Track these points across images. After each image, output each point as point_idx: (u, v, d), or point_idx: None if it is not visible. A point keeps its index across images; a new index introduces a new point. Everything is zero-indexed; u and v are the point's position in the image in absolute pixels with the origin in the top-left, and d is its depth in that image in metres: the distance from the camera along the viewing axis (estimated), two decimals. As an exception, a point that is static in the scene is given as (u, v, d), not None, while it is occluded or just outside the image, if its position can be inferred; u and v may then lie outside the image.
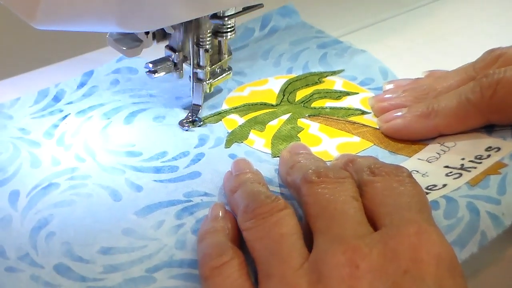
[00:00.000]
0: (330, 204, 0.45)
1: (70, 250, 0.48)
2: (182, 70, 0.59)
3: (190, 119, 0.59)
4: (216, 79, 0.60)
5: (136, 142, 0.57)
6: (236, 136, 0.58)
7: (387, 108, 0.60)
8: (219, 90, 0.63)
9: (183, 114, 0.60)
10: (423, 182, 0.52)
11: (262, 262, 0.44)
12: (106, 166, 0.55)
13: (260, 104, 0.61)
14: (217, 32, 0.59)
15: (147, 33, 0.55)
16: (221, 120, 0.60)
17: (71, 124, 0.59)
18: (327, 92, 0.63)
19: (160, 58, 0.59)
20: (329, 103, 0.62)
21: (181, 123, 0.59)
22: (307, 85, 0.64)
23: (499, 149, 0.54)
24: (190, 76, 0.59)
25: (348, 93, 0.63)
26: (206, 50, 0.58)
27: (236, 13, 0.58)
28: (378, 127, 0.59)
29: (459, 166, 0.53)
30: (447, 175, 0.52)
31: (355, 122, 0.60)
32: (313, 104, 0.62)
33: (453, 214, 0.49)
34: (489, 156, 0.53)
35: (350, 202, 0.45)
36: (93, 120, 0.59)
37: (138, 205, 0.51)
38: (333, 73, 0.66)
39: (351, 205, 0.45)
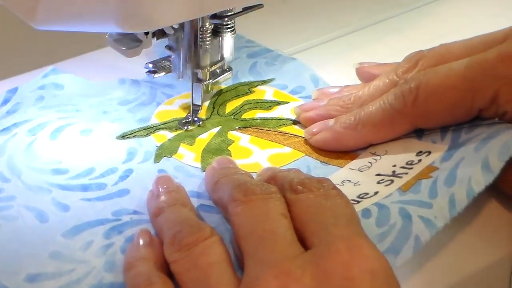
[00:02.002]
0: (258, 225, 0.44)
1: None
2: (182, 70, 0.59)
3: (190, 119, 0.59)
4: (216, 79, 0.60)
5: (63, 158, 0.56)
6: (166, 150, 0.57)
7: (312, 118, 0.59)
8: (147, 103, 0.62)
9: (110, 128, 0.59)
10: (354, 191, 0.52)
11: None
12: (32, 186, 0.53)
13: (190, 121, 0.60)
14: (217, 32, 0.59)
15: (147, 33, 0.55)
16: (150, 134, 0.59)
17: None
18: (257, 103, 0.63)
19: (160, 58, 0.59)
20: (259, 113, 0.61)
21: (180, 123, 0.58)
22: (237, 96, 0.63)
23: (429, 153, 0.54)
24: (189, 77, 0.59)
25: (279, 103, 0.63)
26: (206, 51, 0.58)
27: (236, 13, 0.58)
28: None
29: (391, 173, 0.53)
30: (378, 182, 0.52)
31: (286, 133, 0.59)
32: (244, 116, 0.61)
33: (385, 222, 0.48)
34: (420, 161, 0.53)
35: (279, 220, 0.44)
36: (17, 137, 0.57)
37: (65, 226, 0.50)
38: (264, 82, 0.65)
39: (280, 223, 0.44)
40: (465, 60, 0.53)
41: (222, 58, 0.61)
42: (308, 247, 0.43)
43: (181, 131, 0.59)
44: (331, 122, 0.57)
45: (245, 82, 0.65)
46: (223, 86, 0.64)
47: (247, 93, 0.64)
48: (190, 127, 0.59)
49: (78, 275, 0.46)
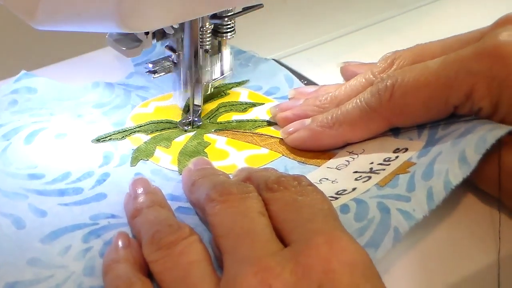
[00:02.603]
0: (236, 224, 0.44)
1: None
2: (182, 70, 0.59)
3: (190, 120, 0.58)
4: (216, 79, 0.60)
5: (38, 163, 0.55)
6: (142, 153, 0.57)
7: (289, 118, 0.59)
8: (122, 106, 0.62)
9: (85, 131, 0.58)
10: (332, 189, 0.52)
11: None
12: (8, 192, 0.52)
13: (166, 122, 0.60)
14: (217, 32, 0.59)
15: (147, 33, 0.54)
16: (126, 137, 0.58)
17: None
18: (232, 105, 0.62)
19: (160, 58, 0.58)
20: (235, 116, 0.61)
21: (180, 124, 0.58)
22: (212, 99, 0.63)
23: (406, 149, 0.54)
24: (189, 77, 0.59)
25: (254, 104, 0.63)
26: (206, 51, 0.58)
27: (236, 13, 0.58)
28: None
29: (368, 170, 0.53)
30: (356, 179, 0.52)
31: (262, 134, 0.59)
32: (219, 119, 0.61)
33: (364, 216, 0.48)
34: (397, 157, 0.53)
35: (257, 218, 0.44)
36: None
37: (43, 232, 0.49)
38: (238, 84, 0.65)
39: (257, 221, 0.44)
40: (441, 58, 0.54)
41: (222, 58, 0.61)
42: (287, 244, 0.43)
43: (157, 133, 0.59)
44: (307, 121, 0.57)
45: (219, 84, 0.65)
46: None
47: (222, 96, 0.64)
48: (191, 127, 0.59)
49: (56, 281, 0.46)
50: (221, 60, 0.61)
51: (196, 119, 0.59)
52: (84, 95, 0.63)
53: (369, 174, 0.53)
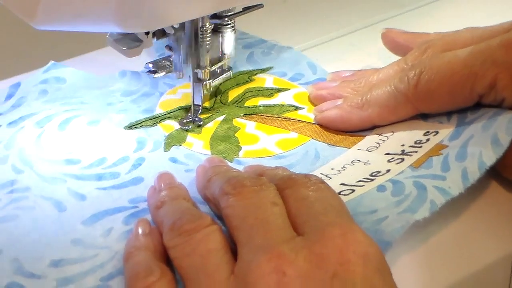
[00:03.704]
0: (249, 214, 0.44)
1: (20, 267, 0.46)
2: (182, 70, 0.59)
3: (191, 119, 0.59)
4: (216, 79, 0.60)
5: (73, 149, 0.56)
6: (174, 139, 0.58)
7: (323, 96, 0.60)
8: (150, 94, 0.63)
9: (117, 118, 0.59)
10: (366, 170, 0.53)
11: (189, 279, 0.43)
12: (46, 176, 0.53)
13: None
14: (217, 32, 0.59)
15: (147, 33, 0.54)
16: (157, 124, 0.59)
17: (3, 136, 0.57)
18: (258, 90, 0.63)
19: (160, 58, 0.58)
20: (262, 101, 0.62)
21: (181, 123, 0.58)
22: (238, 85, 0.64)
23: (437, 132, 0.55)
24: (189, 76, 0.59)
25: (279, 90, 0.63)
26: (206, 50, 0.58)
27: (236, 13, 0.58)
28: (314, 122, 0.59)
29: (400, 152, 0.54)
30: (389, 161, 0.53)
31: (290, 118, 0.60)
32: (247, 103, 0.62)
33: (401, 192, 0.50)
34: (428, 140, 0.54)
35: (270, 208, 0.44)
36: (26, 130, 0.57)
37: (84, 215, 0.50)
38: (262, 70, 0.66)
39: (271, 211, 0.44)
40: (470, 48, 0.55)
41: (223, 55, 0.61)
42: (300, 235, 0.43)
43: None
44: (339, 101, 0.59)
45: (244, 71, 0.66)
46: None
47: (247, 82, 0.65)
48: (191, 127, 0.59)
49: (101, 260, 0.47)
50: (222, 43, 0.61)
51: (196, 118, 0.59)
52: (112, 84, 0.63)
53: (401, 156, 0.54)
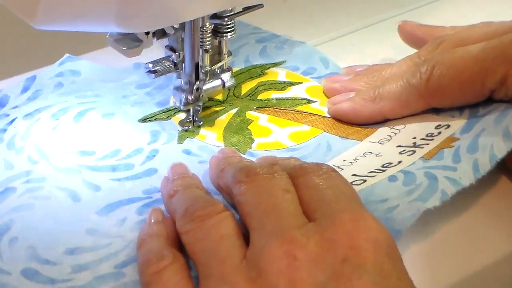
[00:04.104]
0: (262, 201, 0.45)
1: (35, 254, 0.47)
2: (182, 70, 0.59)
3: (190, 119, 0.59)
4: (205, 84, 0.60)
5: (88, 141, 0.57)
6: (187, 133, 0.58)
7: (336, 89, 0.61)
8: (164, 86, 0.63)
9: (131, 111, 0.60)
10: (378, 162, 0.53)
11: (201, 264, 0.44)
12: (61, 167, 0.54)
13: (208, 100, 0.61)
14: (217, 32, 0.59)
15: (147, 33, 0.55)
16: (171, 118, 0.60)
17: (19, 128, 0.58)
18: (271, 84, 0.64)
19: (160, 58, 0.58)
20: (274, 94, 0.63)
21: (181, 123, 0.58)
22: (251, 78, 0.65)
23: (448, 126, 0.55)
24: (190, 76, 0.59)
25: (292, 83, 0.64)
26: (206, 51, 0.58)
27: (236, 13, 0.58)
28: (326, 115, 0.60)
29: (412, 144, 0.55)
30: (400, 153, 0.54)
31: (303, 111, 0.61)
32: (259, 97, 0.62)
33: (412, 182, 0.50)
34: (439, 133, 0.55)
35: (282, 195, 0.45)
36: (41, 122, 0.58)
37: (98, 205, 0.51)
38: (275, 64, 0.67)
39: (283, 198, 0.45)
40: (483, 43, 0.56)
41: (223, 57, 0.61)
42: (311, 221, 0.44)
43: (200, 115, 0.60)
44: (352, 94, 0.59)
45: (256, 64, 0.66)
46: (235, 68, 0.65)
47: (260, 75, 0.65)
48: (191, 127, 0.59)
49: (115, 248, 0.48)
50: (221, 45, 0.60)
51: (196, 118, 0.59)
52: (127, 77, 0.64)
53: (413, 149, 0.54)
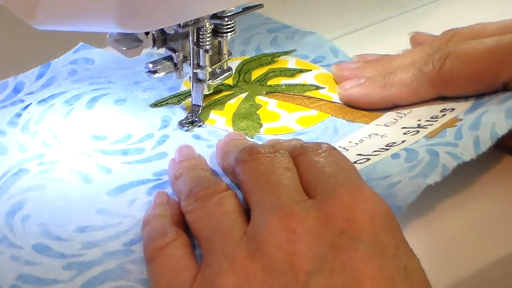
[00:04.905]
0: (263, 178, 0.46)
1: (47, 230, 0.48)
2: (182, 71, 0.60)
3: (190, 120, 0.59)
4: (216, 79, 0.61)
5: (100, 126, 0.58)
6: (198, 118, 0.59)
7: (346, 76, 0.62)
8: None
9: (143, 97, 0.61)
10: (382, 142, 0.54)
11: (204, 240, 0.45)
12: (74, 151, 0.55)
13: (218, 85, 0.62)
14: (217, 32, 0.59)
15: (147, 33, 0.55)
16: (181, 102, 0.61)
17: (33, 113, 0.59)
18: (281, 71, 0.65)
19: (160, 58, 0.59)
20: (284, 80, 0.64)
21: (180, 123, 0.59)
22: (261, 65, 0.66)
23: (453, 109, 0.56)
24: (190, 77, 0.60)
25: (301, 71, 0.65)
26: (206, 51, 0.59)
27: (236, 13, 0.59)
28: (334, 100, 0.61)
29: (416, 126, 0.55)
30: (405, 133, 0.55)
31: (311, 97, 0.62)
32: (269, 82, 0.63)
33: (414, 158, 0.51)
34: (444, 115, 0.56)
35: (283, 173, 0.46)
36: (55, 108, 0.60)
37: (109, 186, 0.52)
38: (285, 53, 0.68)
39: (284, 176, 0.45)
40: (497, 37, 0.56)
41: (223, 57, 0.61)
42: (312, 198, 0.44)
43: (211, 98, 0.61)
44: (362, 80, 0.60)
45: (267, 53, 0.68)
46: (246, 56, 0.66)
47: (270, 63, 0.66)
48: (190, 127, 0.59)
49: (125, 227, 0.49)
50: (221, 45, 0.61)
51: (196, 119, 0.60)
52: (139, 65, 0.65)
53: (417, 129, 0.55)
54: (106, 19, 0.49)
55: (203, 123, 0.59)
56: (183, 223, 0.48)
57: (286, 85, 0.63)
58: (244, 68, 0.65)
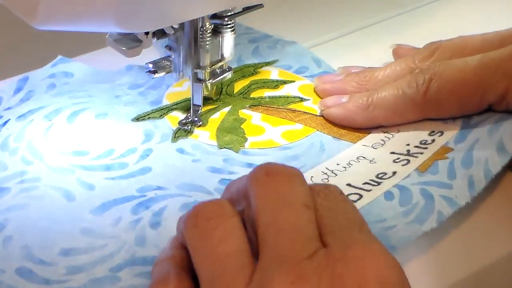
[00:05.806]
0: (280, 213, 0.42)
1: (30, 253, 0.47)
2: (182, 71, 0.59)
3: (190, 119, 0.59)
4: (216, 79, 0.60)
5: (82, 141, 0.57)
6: (181, 132, 0.58)
7: (328, 90, 0.61)
8: (157, 86, 0.63)
9: (124, 111, 0.60)
10: (372, 170, 0.53)
11: (205, 283, 0.42)
12: (55, 167, 0.54)
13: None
14: (217, 32, 0.59)
15: (146, 33, 0.55)
16: (164, 116, 0.60)
17: (12, 129, 0.58)
18: (264, 82, 0.64)
19: (160, 58, 0.58)
20: (267, 92, 0.63)
21: (180, 123, 0.58)
22: (244, 77, 0.65)
23: (442, 133, 0.56)
24: (189, 77, 0.59)
25: (285, 82, 0.64)
26: (206, 51, 0.58)
27: (236, 13, 0.58)
28: (318, 113, 0.60)
29: (405, 152, 0.55)
30: (394, 161, 0.54)
31: (296, 110, 0.61)
32: (252, 95, 0.63)
33: (409, 202, 0.50)
34: (433, 140, 0.55)
35: (302, 212, 0.42)
36: (35, 123, 0.58)
37: (92, 204, 0.51)
38: (268, 63, 0.67)
39: (303, 216, 0.42)
40: (479, 56, 0.56)
41: (222, 57, 0.60)
42: (323, 243, 0.41)
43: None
44: (344, 98, 0.59)
45: (249, 64, 0.67)
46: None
47: (252, 74, 0.65)
48: (190, 127, 0.59)
49: (110, 250, 0.48)
50: (222, 43, 0.60)
51: (196, 119, 0.60)
52: (119, 78, 0.64)
53: (407, 157, 0.54)
54: (105, 19, 0.49)
55: (203, 123, 0.59)
56: (191, 267, 0.44)
57: (269, 97, 0.62)
58: (227, 81, 0.64)
